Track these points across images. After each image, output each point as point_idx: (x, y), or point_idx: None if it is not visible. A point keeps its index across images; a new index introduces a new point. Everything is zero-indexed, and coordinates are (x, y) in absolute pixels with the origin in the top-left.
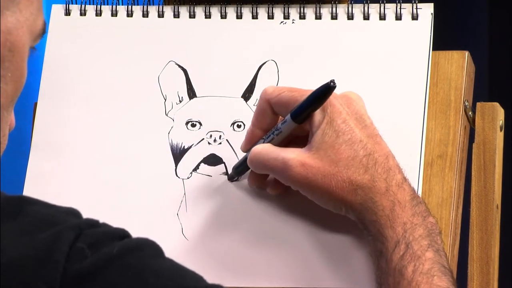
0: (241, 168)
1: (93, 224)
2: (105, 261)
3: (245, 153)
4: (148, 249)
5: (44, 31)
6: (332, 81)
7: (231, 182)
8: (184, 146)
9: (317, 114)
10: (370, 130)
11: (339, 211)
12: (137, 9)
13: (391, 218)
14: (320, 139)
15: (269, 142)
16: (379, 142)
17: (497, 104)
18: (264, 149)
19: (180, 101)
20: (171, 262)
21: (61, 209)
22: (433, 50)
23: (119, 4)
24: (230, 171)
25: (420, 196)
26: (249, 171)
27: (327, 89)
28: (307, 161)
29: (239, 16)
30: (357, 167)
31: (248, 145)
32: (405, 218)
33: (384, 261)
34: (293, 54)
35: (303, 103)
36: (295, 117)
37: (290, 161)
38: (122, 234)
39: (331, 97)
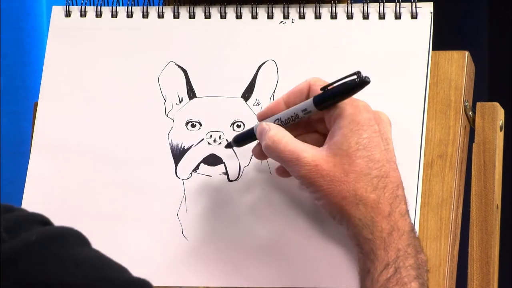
0: (244, 141)
1: (8, 208)
2: (24, 246)
3: (253, 125)
4: (72, 237)
5: None
6: (367, 76)
7: (231, 182)
8: (184, 147)
9: (346, 119)
10: (390, 156)
11: (333, 218)
12: (137, 10)
13: (387, 241)
14: (340, 145)
15: (283, 122)
16: (395, 169)
17: (497, 104)
18: (284, 138)
19: (180, 102)
20: (96, 253)
21: None
22: (433, 50)
23: (119, 5)
24: (229, 171)
25: (420, 196)
26: (254, 143)
27: (360, 84)
28: (321, 163)
29: (238, 16)
30: (366, 183)
31: (265, 114)
32: (400, 245)
33: (370, 280)
34: (292, 54)
35: (332, 92)
36: (318, 103)
37: (304, 159)
38: (41, 219)
39: (365, 110)
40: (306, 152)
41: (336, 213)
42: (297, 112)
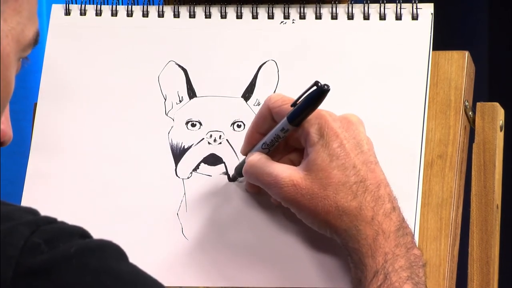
0: (241, 169)
1: (50, 221)
2: (62, 258)
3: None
4: (110, 251)
5: (36, 41)
6: (326, 85)
7: (231, 182)
8: (184, 146)
9: (314, 135)
10: (366, 157)
11: (324, 233)
12: (137, 9)
13: (373, 248)
14: (314, 160)
15: (269, 144)
16: (373, 170)
17: (497, 104)
18: (260, 161)
19: (180, 101)
20: (133, 267)
21: (20, 207)
22: (433, 50)
23: (119, 4)
24: (230, 171)
25: (420, 196)
26: None
27: (321, 93)
28: (299, 181)
29: (239, 16)
30: (346, 193)
31: (247, 148)
32: (387, 249)
33: None
34: (293, 54)
35: (299, 107)
36: (291, 120)
37: (282, 180)
38: (81, 233)
39: (330, 120)
40: (284, 173)
41: (325, 228)
42: (278, 133)
